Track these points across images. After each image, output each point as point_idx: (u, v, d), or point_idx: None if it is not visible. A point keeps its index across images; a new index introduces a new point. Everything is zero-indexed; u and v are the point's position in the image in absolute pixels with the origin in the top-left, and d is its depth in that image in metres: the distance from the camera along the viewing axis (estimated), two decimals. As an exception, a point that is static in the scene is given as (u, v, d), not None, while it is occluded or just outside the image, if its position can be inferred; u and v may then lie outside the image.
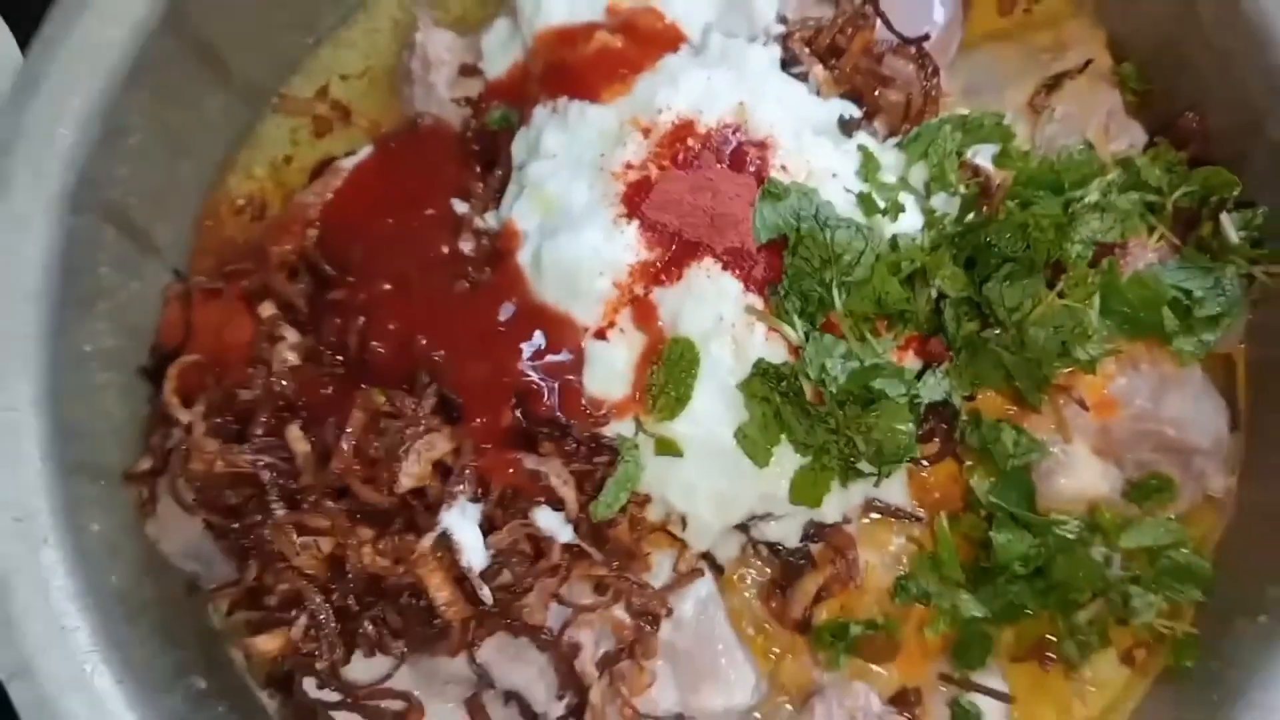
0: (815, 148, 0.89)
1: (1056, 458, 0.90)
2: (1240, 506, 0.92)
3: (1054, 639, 0.89)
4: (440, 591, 0.79)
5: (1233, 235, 0.87)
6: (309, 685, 0.84)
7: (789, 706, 0.89)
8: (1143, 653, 0.92)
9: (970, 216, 0.89)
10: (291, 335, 0.92)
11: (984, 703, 0.88)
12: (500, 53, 1.02)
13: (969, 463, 0.89)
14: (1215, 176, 0.90)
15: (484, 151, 1.01)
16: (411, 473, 0.80)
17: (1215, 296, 0.87)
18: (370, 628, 0.83)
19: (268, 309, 0.94)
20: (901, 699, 0.89)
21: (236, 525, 0.85)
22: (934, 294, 0.85)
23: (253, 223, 1.08)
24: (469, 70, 1.04)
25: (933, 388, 0.84)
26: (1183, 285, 0.87)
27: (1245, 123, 0.90)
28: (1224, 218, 0.88)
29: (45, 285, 0.89)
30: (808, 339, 0.82)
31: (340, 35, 1.12)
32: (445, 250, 0.94)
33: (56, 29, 0.92)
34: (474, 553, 0.80)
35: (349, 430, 0.81)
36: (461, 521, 0.80)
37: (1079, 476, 0.90)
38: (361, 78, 1.12)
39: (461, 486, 0.81)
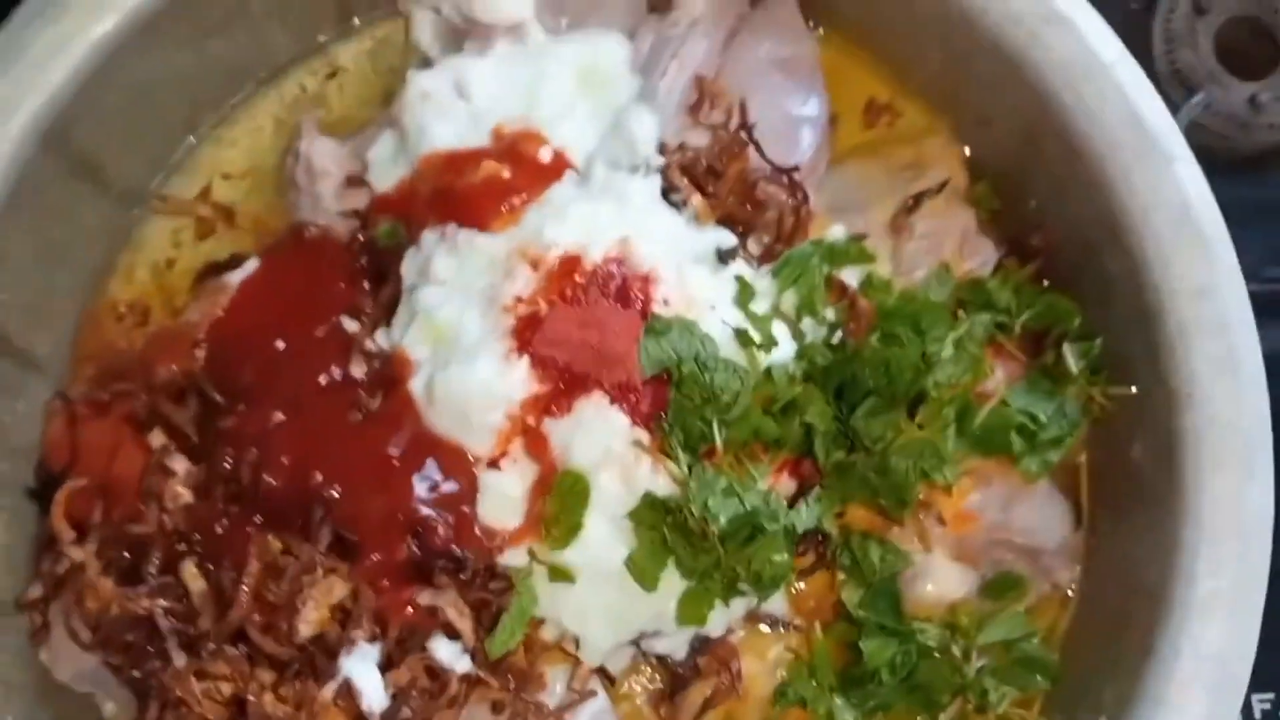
0: (695, 279, 0.93)
1: (919, 566, 0.97)
2: (1082, 599, 1.01)
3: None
4: (342, 736, 0.82)
5: (1073, 366, 0.95)
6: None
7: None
8: (1003, 735, 1.00)
9: (838, 337, 0.96)
10: (182, 467, 0.93)
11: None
12: (387, 167, 1.03)
13: (840, 575, 0.96)
14: (1057, 305, 0.98)
15: (372, 266, 1.02)
16: (310, 620, 0.83)
17: (1058, 420, 0.95)
18: (269, 773, 0.85)
19: (158, 438, 0.94)
20: None
21: (137, 673, 0.85)
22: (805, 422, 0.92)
23: (135, 329, 1.07)
24: (355, 181, 1.05)
25: (806, 517, 0.90)
26: (1028, 410, 0.95)
27: (1082, 250, 0.99)
28: (1065, 349, 0.96)
29: (-75, 428, 0.88)
30: (690, 473, 0.88)
31: (221, 134, 1.11)
32: (337, 375, 0.96)
33: (-73, 161, 0.90)
34: (374, 696, 0.83)
35: (246, 580, 0.83)
36: (361, 665, 0.83)
37: (940, 582, 0.98)
38: (244, 178, 1.11)
39: (360, 631, 0.84)
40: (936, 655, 0.95)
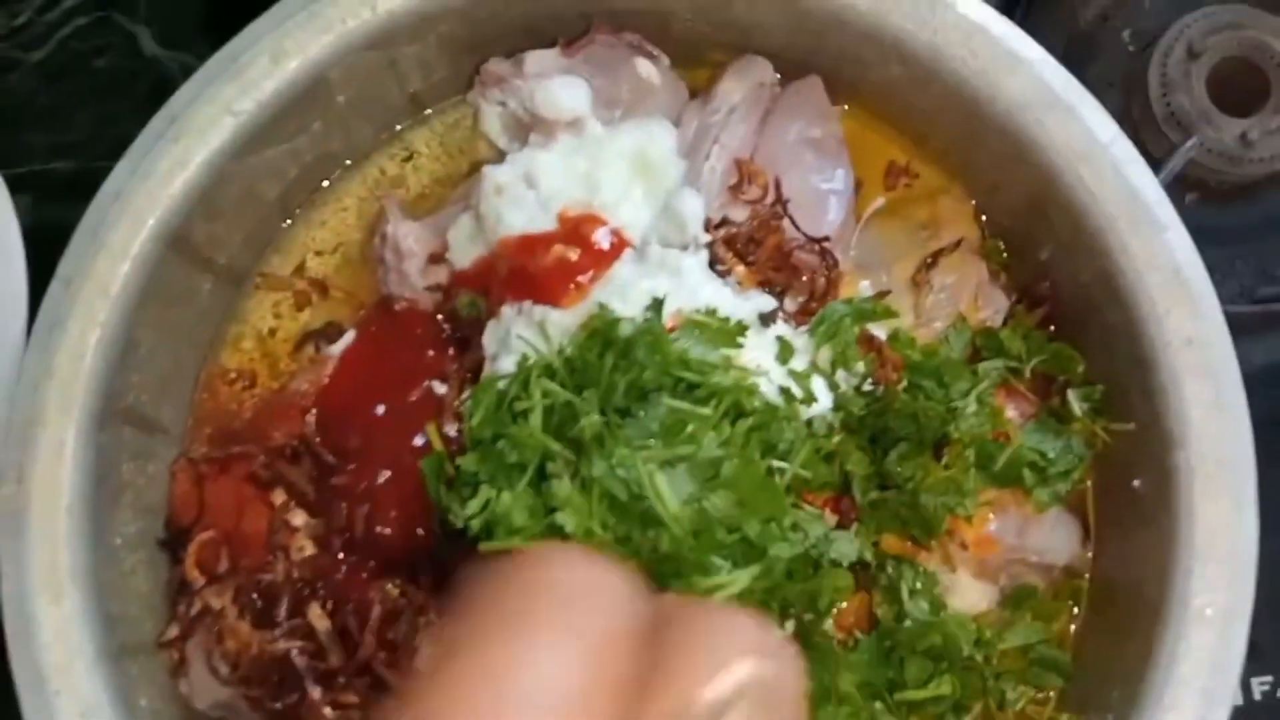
0: (744, 344, 1.06)
1: (946, 584, 1.11)
2: (1089, 609, 1.15)
3: (948, 731, 1.11)
4: (458, 752, 0.96)
5: (1077, 410, 1.08)
6: (348, 830, 1.00)
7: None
8: (1020, 731, 1.14)
9: (869, 385, 1.09)
10: (302, 521, 1.07)
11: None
12: (465, 247, 1.16)
13: (876, 595, 1.09)
14: (1062, 354, 1.11)
15: (455, 334, 1.16)
16: (425, 655, 0.97)
17: (1065, 455, 1.08)
18: (396, 778, 0.99)
19: (279, 496, 1.09)
20: None
21: (279, 705, 1.00)
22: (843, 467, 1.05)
23: (244, 392, 1.21)
24: (436, 258, 1.18)
25: (853, 549, 1.03)
26: (1039, 448, 1.08)
27: (1086, 304, 1.11)
28: (1070, 395, 1.09)
29: (80, 499, 1.02)
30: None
31: (311, 216, 1.25)
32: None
33: (71, 268, 1.04)
34: (483, 716, 0.97)
35: (371, 623, 0.97)
36: (472, 691, 0.97)
37: (964, 597, 1.11)
38: (334, 253, 1.25)
39: (470, 661, 0.98)
40: (965, 664, 1.08)
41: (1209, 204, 1.45)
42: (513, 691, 0.45)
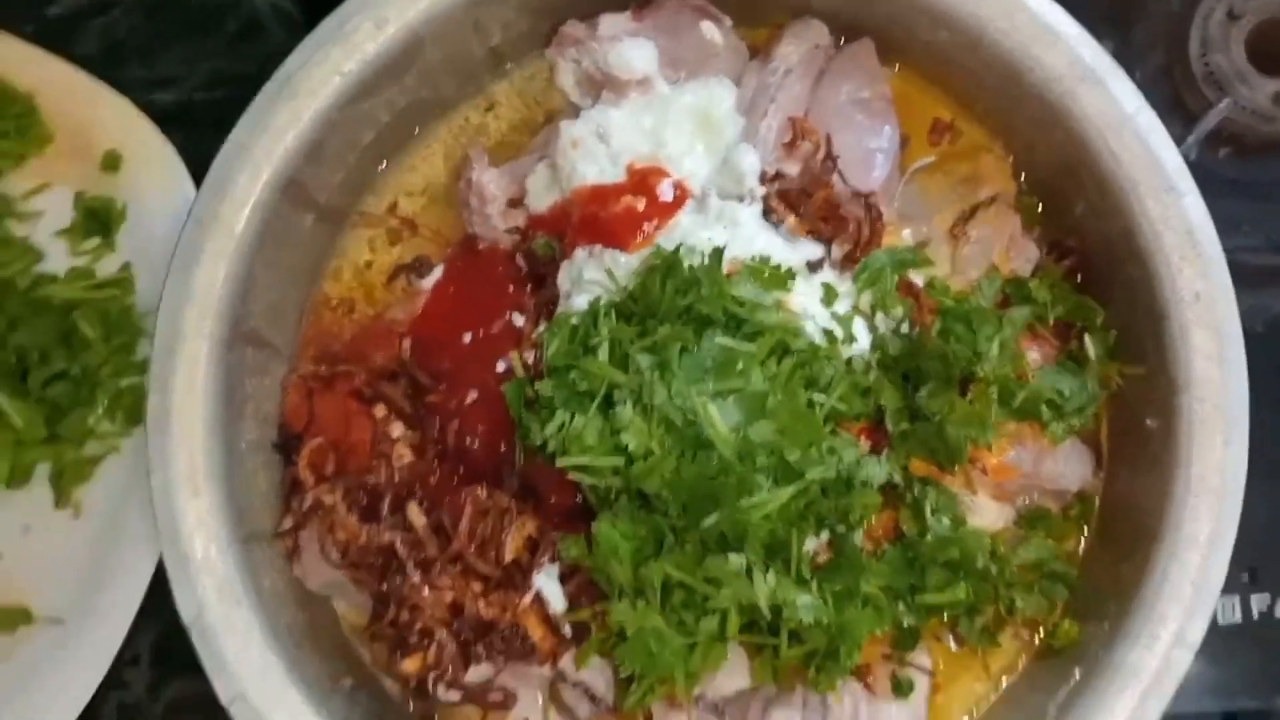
0: (793, 288, 1.19)
1: (966, 504, 1.24)
2: (1096, 531, 1.27)
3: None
4: (536, 630, 1.13)
5: (1093, 353, 1.20)
6: (439, 689, 1.18)
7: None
8: (1027, 631, 1.27)
9: (904, 328, 1.21)
10: (401, 433, 1.23)
11: (915, 675, 1.23)
12: (542, 194, 1.28)
13: (903, 513, 1.22)
14: (1084, 304, 1.22)
15: (532, 272, 1.29)
16: (510, 548, 1.13)
17: (1080, 394, 1.20)
18: (482, 650, 1.16)
19: (380, 411, 1.25)
20: (858, 671, 1.22)
21: (384, 586, 1.17)
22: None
23: (344, 318, 1.36)
24: (515, 203, 1.31)
25: (883, 471, 1.16)
26: (1056, 387, 1.20)
27: (1109, 259, 1.22)
28: (1087, 340, 1.20)
29: (214, 411, 1.19)
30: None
31: (403, 161, 1.38)
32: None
33: (204, 211, 1.18)
34: (557, 602, 1.14)
35: (464, 521, 1.13)
36: (547, 580, 1.14)
37: (983, 517, 1.24)
38: (422, 194, 1.38)
39: (545, 556, 1.14)
40: (981, 574, 1.21)
41: (1242, 159, 1.53)
42: None
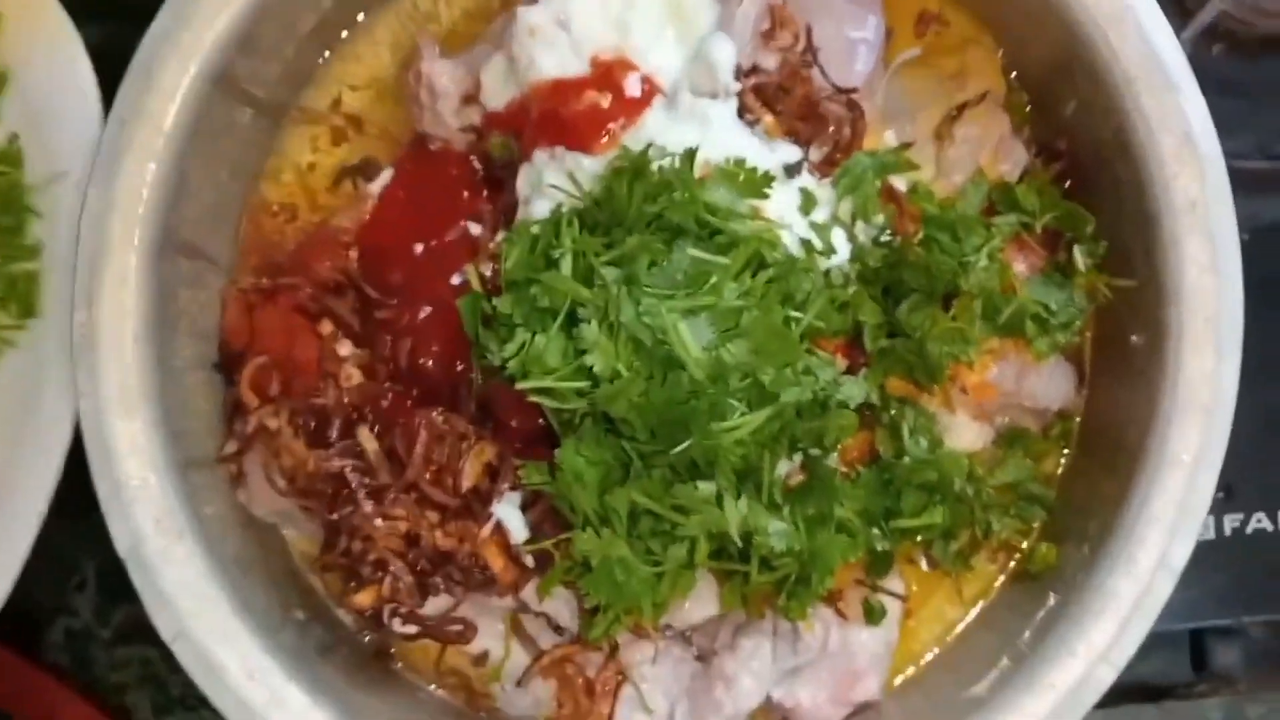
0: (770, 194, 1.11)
1: (944, 424, 1.19)
2: (1077, 449, 1.24)
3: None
4: (497, 561, 1.07)
5: (1081, 265, 1.14)
6: (395, 623, 1.13)
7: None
8: (1002, 555, 1.25)
9: (886, 237, 1.14)
10: (349, 351, 1.15)
11: (887, 600, 1.20)
12: (498, 89, 1.18)
13: (879, 434, 1.17)
14: (1074, 213, 1.15)
15: (489, 175, 1.20)
16: (469, 475, 1.07)
17: (1067, 308, 1.14)
18: (439, 581, 1.11)
19: (326, 326, 1.16)
20: (829, 597, 1.19)
21: (334, 515, 1.10)
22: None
23: (286, 224, 1.27)
24: (470, 99, 1.21)
25: (860, 391, 1.10)
26: (1043, 300, 1.14)
27: (1099, 160, 1.15)
28: (1075, 250, 1.14)
29: (144, 324, 1.10)
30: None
31: (346, 51, 1.27)
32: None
33: (126, 108, 1.07)
34: (518, 531, 1.08)
35: (418, 446, 1.07)
36: (508, 509, 1.07)
37: (961, 437, 1.19)
38: (368, 88, 1.27)
39: (505, 483, 1.08)
40: (957, 497, 1.17)
41: (1236, 57, 1.45)
42: None
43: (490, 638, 1.16)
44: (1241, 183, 1.38)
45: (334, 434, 1.12)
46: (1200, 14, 1.37)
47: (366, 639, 1.19)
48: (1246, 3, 1.39)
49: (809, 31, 1.16)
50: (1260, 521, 1.43)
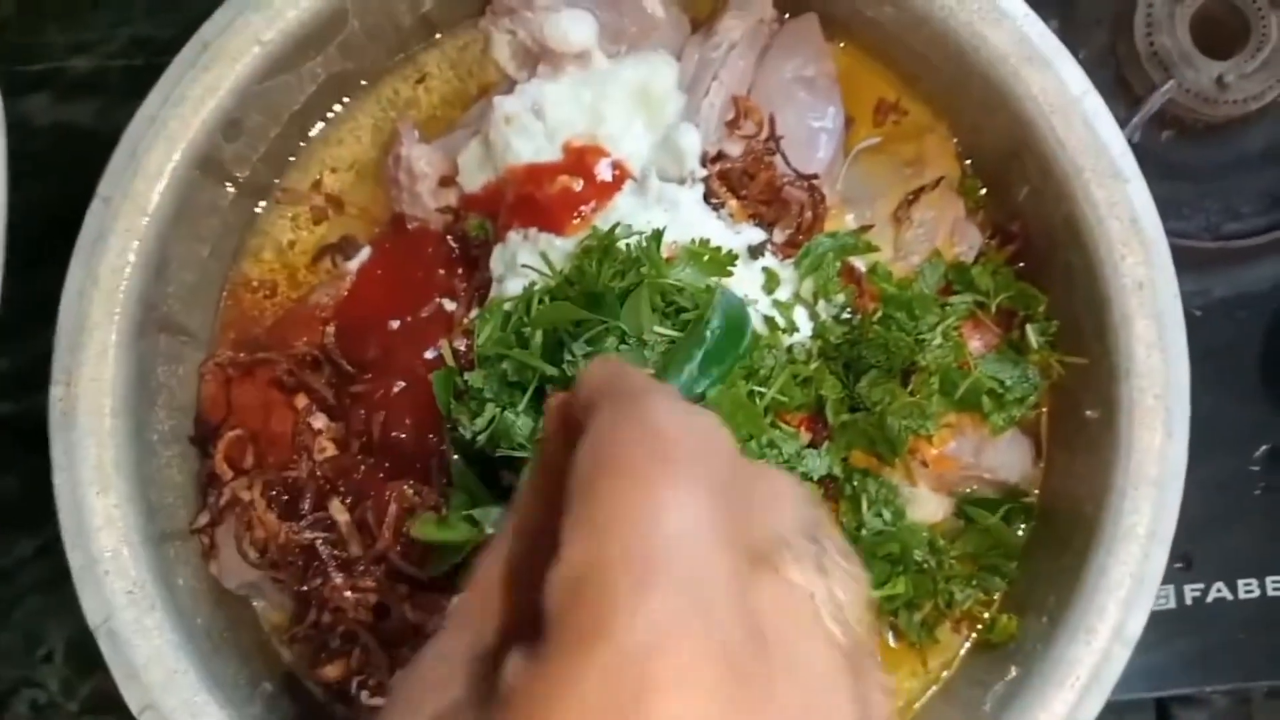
0: (736, 273, 1.15)
1: (906, 496, 1.22)
2: (1036, 520, 1.26)
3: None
4: (466, 634, 1.09)
5: (1034, 343, 1.18)
6: (363, 695, 1.14)
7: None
8: (965, 625, 1.26)
9: (846, 314, 1.19)
10: (324, 424, 1.17)
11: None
12: (474, 172, 1.23)
13: (842, 506, 1.20)
14: (1026, 292, 1.20)
15: (464, 255, 1.24)
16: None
17: (1021, 384, 1.18)
18: (408, 653, 1.12)
19: (301, 400, 1.19)
20: None
21: (304, 588, 1.12)
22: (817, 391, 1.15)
23: (265, 300, 1.30)
24: (447, 182, 1.25)
25: (823, 464, 1.13)
26: (997, 376, 1.18)
27: (1051, 245, 1.20)
28: (1029, 329, 1.19)
29: (123, 400, 1.12)
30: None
31: (329, 135, 1.31)
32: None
33: (111, 188, 1.11)
34: (489, 604, 1.09)
35: (388, 518, 1.08)
36: (478, 581, 1.09)
37: (923, 509, 1.22)
38: (349, 170, 1.31)
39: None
40: (920, 568, 1.20)
41: (1184, 141, 1.52)
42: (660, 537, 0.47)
43: (459, 710, 1.16)
44: (1193, 262, 1.45)
45: (306, 506, 1.14)
46: (1149, 101, 1.44)
47: (336, 711, 1.19)
48: (1192, 91, 1.45)
49: (772, 121, 1.22)
50: (1220, 591, 1.45)
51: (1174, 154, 1.52)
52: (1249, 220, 1.52)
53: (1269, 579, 1.47)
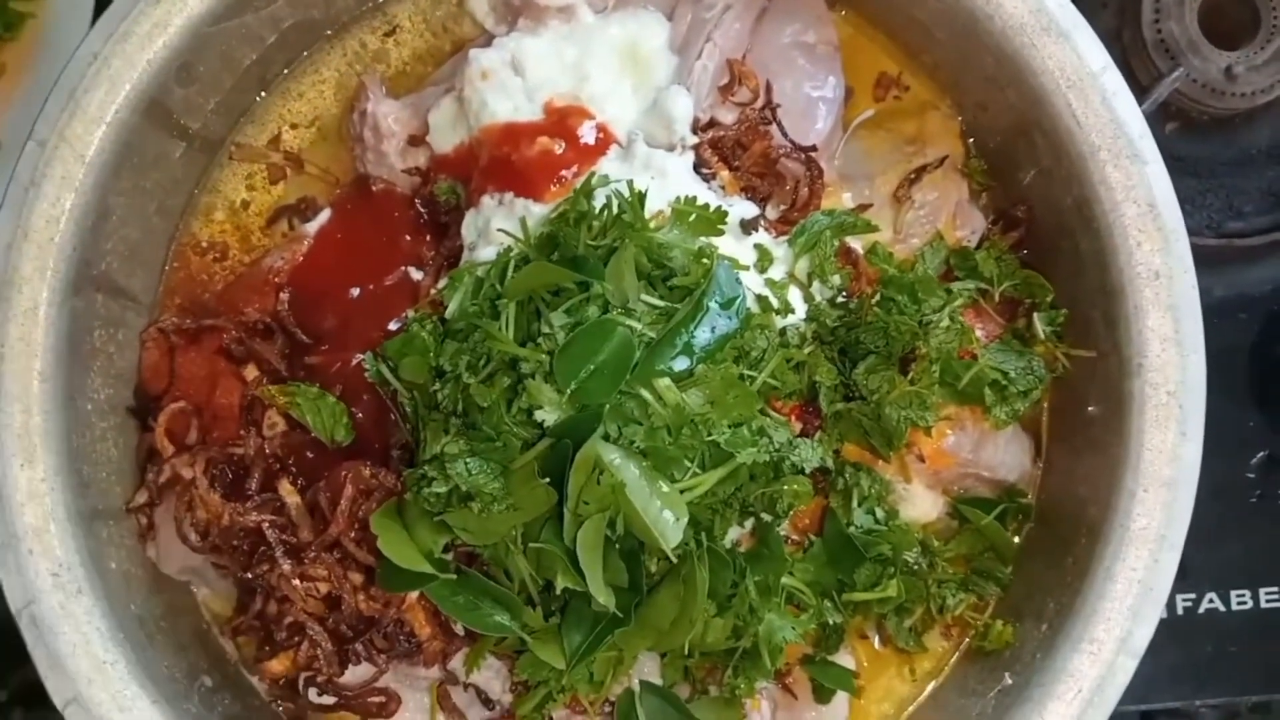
0: (724, 248, 1.07)
1: (899, 493, 1.15)
2: (1034, 522, 1.20)
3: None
4: (424, 629, 1.00)
5: (1041, 332, 1.11)
6: (311, 692, 1.04)
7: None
8: (957, 631, 1.19)
9: (842, 297, 1.11)
10: (276, 398, 1.08)
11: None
12: (447, 131, 1.14)
13: (834, 500, 1.13)
14: (1033, 280, 1.13)
15: (433, 220, 1.15)
16: (397, 534, 1.00)
17: (1026, 376, 1.11)
18: (361, 648, 1.03)
19: (251, 371, 1.09)
20: (776, 673, 1.12)
21: (249, 574, 1.02)
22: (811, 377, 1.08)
23: (215, 264, 1.20)
24: (416, 141, 1.16)
25: (815, 456, 1.06)
26: (1001, 367, 1.11)
27: (1060, 229, 1.13)
28: (1035, 317, 1.12)
29: (53, 363, 1.02)
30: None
31: (289, 87, 1.22)
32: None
33: (48, 130, 1.01)
34: (449, 596, 1.01)
35: (342, 501, 0.99)
36: (438, 572, 1.01)
37: (916, 507, 1.15)
38: (310, 127, 1.22)
39: (438, 544, 1.01)
40: (911, 570, 1.13)
41: (1188, 135, 1.46)
42: None
43: (414, 711, 1.08)
44: (1195, 259, 1.39)
45: (253, 486, 1.05)
46: (1157, 88, 1.38)
47: (280, 709, 1.09)
48: (1199, 81, 1.40)
49: (769, 88, 1.14)
50: (1212, 601, 1.40)
51: (1178, 147, 1.46)
52: (1251, 219, 1.46)
53: (1263, 590, 1.42)
